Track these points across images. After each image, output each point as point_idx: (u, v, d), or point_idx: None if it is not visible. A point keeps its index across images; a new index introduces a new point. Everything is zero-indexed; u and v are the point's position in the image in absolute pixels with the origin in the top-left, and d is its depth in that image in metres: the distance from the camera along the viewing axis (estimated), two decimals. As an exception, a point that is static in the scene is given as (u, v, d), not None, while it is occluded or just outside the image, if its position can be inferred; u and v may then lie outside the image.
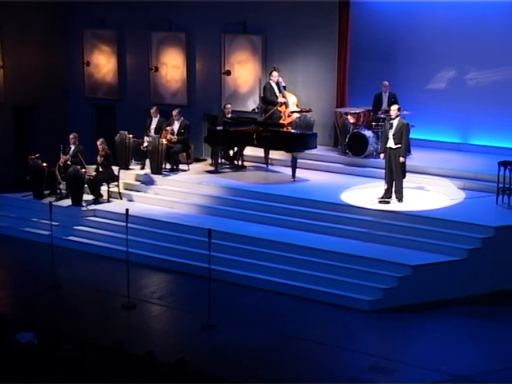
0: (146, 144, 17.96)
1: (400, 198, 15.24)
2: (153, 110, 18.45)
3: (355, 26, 18.43)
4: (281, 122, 17.66)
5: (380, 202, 15.30)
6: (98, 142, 17.16)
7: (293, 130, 17.42)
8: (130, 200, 17.32)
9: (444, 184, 16.28)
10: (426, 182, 16.38)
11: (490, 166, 15.76)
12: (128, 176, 17.90)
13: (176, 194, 17.04)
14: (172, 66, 20.77)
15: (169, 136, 17.90)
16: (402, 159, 15.07)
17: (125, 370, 9.33)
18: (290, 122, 17.84)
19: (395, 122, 15.07)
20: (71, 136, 17.50)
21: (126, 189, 17.62)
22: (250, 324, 12.75)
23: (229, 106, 18.49)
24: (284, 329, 12.58)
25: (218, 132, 17.73)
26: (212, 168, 18.12)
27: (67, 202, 17.10)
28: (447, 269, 13.62)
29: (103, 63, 21.81)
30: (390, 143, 15.09)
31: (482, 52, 17.56)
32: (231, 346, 12.01)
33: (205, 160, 19.03)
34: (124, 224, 14.27)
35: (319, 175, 17.44)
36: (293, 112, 18.01)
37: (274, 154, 18.15)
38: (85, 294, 14.14)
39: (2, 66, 21.12)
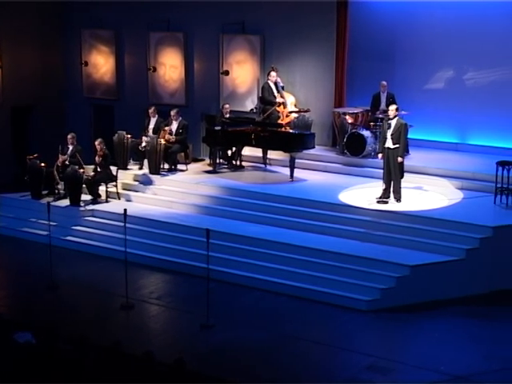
0: (144, 144, 17.96)
1: (398, 198, 15.24)
2: (151, 110, 18.44)
3: (353, 25, 18.43)
4: (279, 122, 17.66)
5: (378, 202, 15.30)
6: (96, 142, 17.16)
7: (291, 130, 17.42)
8: (128, 200, 17.31)
9: (442, 184, 16.28)
10: (424, 181, 16.38)
11: (488, 166, 15.77)
12: (126, 176, 17.89)
13: (174, 194, 17.04)
14: (170, 66, 20.77)
15: (167, 136, 17.90)
16: (400, 159, 15.08)
17: (123, 370, 9.32)
18: (288, 122, 17.83)
19: (393, 122, 15.07)
20: (69, 136, 17.50)
21: (124, 189, 17.61)
22: (248, 324, 12.75)
23: (227, 106, 18.50)
24: (282, 329, 12.58)
25: (216, 132, 17.73)
26: (210, 168, 18.13)
27: (65, 202, 17.09)
28: (445, 269, 13.62)
29: (101, 63, 21.80)
30: (388, 143, 15.10)
31: (480, 52, 17.57)
32: (229, 345, 12.01)
33: (203, 160, 19.03)
34: (122, 224, 14.27)
35: (317, 175, 17.44)
36: (291, 112, 18.01)
37: (272, 154, 18.16)
38: (83, 294, 14.14)
39: (0, 66, 21.11)
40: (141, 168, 18.19)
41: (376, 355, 11.65)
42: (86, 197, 17.18)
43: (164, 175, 17.79)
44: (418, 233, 14.24)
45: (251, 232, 15.06)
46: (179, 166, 18.21)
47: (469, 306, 13.36)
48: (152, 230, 15.80)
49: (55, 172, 17.37)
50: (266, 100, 17.93)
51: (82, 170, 17.01)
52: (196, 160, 19.01)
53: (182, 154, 18.25)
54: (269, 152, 18.10)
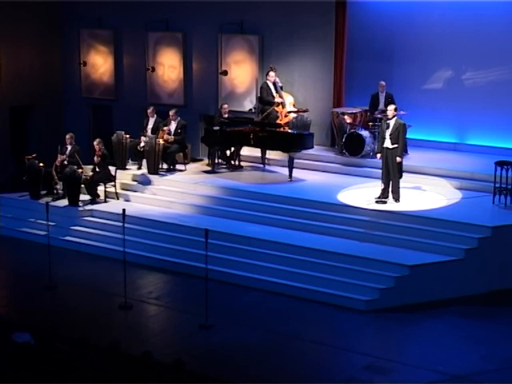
0: (142, 144, 17.96)
1: (397, 198, 15.24)
2: (150, 110, 18.43)
3: (352, 26, 18.44)
4: (278, 122, 17.66)
5: (377, 202, 15.30)
6: (95, 142, 17.16)
7: (290, 130, 17.43)
8: (127, 200, 17.30)
9: (441, 184, 16.29)
10: (423, 181, 16.39)
11: (487, 166, 15.79)
12: (125, 176, 17.88)
13: (173, 194, 17.03)
14: (169, 66, 20.76)
15: (165, 136, 17.90)
16: (398, 159, 15.08)
17: (122, 370, 9.32)
18: (287, 122, 17.83)
19: (392, 122, 15.08)
20: (67, 136, 17.50)
21: (122, 189, 17.61)
22: (247, 324, 12.75)
23: (225, 106, 18.50)
24: (281, 329, 12.58)
25: (214, 132, 17.72)
26: (209, 168, 18.13)
27: (64, 202, 17.09)
28: (444, 269, 13.63)
29: (100, 63, 21.79)
30: (387, 143, 15.10)
31: (478, 52, 17.57)
32: (228, 346, 12.01)
33: (202, 160, 19.02)
34: (121, 224, 14.27)
35: (316, 175, 17.44)
36: (290, 112, 18.00)
37: (270, 154, 18.16)
38: (81, 294, 14.13)
39: (-2, 66, 21.16)
40: (139, 168, 18.18)
41: (375, 355, 11.65)
42: (84, 197, 17.17)
43: (163, 175, 17.79)
44: (416, 233, 14.24)
45: (250, 232, 15.06)
46: (178, 166, 18.21)
47: (467, 305, 13.37)
48: (151, 230, 15.80)
49: (54, 172, 17.36)
50: (265, 100, 17.93)
51: (80, 170, 17.01)
52: (195, 160, 19.00)
53: (181, 154, 18.25)
54: (267, 152, 18.10)
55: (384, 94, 17.68)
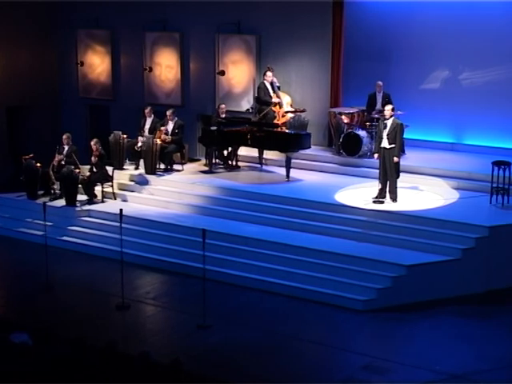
0: (140, 144, 17.95)
1: (394, 198, 15.25)
2: (147, 110, 18.43)
3: (349, 26, 18.45)
4: (275, 122, 17.66)
5: (374, 201, 15.31)
6: (92, 142, 17.16)
7: (287, 130, 17.42)
8: (124, 200, 17.30)
9: (438, 184, 16.30)
10: (420, 181, 16.39)
11: (484, 166, 15.79)
12: (122, 176, 17.88)
13: (170, 194, 17.03)
14: (166, 66, 20.76)
15: (163, 136, 17.90)
16: (396, 159, 15.09)
17: (119, 371, 9.32)
18: (284, 122, 17.84)
19: (389, 122, 15.09)
20: (64, 136, 17.49)
21: (120, 189, 17.61)
22: (245, 324, 12.75)
23: (223, 106, 18.50)
24: (279, 329, 12.58)
25: (212, 132, 17.72)
26: (206, 168, 18.12)
27: (61, 203, 17.08)
28: (441, 268, 13.64)
29: (97, 63, 21.78)
30: (384, 143, 15.11)
31: (475, 52, 17.58)
32: (226, 346, 12.01)
33: (199, 160, 19.02)
34: (118, 224, 14.25)
35: (313, 175, 17.45)
36: (287, 112, 18.01)
37: (268, 154, 18.16)
38: (79, 294, 14.13)
39: (-5, 66, 21.16)
40: (137, 168, 18.18)
41: (372, 355, 11.66)
42: (81, 197, 17.17)
43: (160, 175, 17.79)
44: (413, 233, 14.25)
45: (247, 232, 15.07)
46: (175, 166, 18.21)
47: (464, 305, 13.38)
48: (148, 230, 15.80)
49: (51, 172, 17.36)
50: (262, 100, 17.94)
51: (77, 170, 17.00)
52: (192, 160, 18.99)
53: (178, 154, 18.25)
54: (265, 152, 18.10)
55: (381, 94, 17.69)
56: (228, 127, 17.60)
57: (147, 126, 18.27)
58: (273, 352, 11.80)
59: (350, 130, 17.54)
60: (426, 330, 12.58)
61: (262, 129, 17.30)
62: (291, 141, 16.95)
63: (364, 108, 17.98)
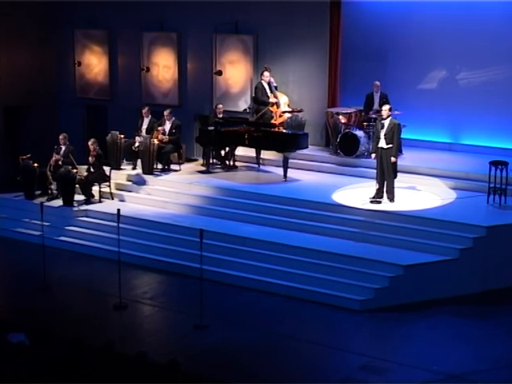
0: (137, 144, 17.94)
1: (391, 198, 15.25)
2: (144, 110, 18.42)
3: (346, 25, 18.45)
4: (272, 122, 17.66)
5: (371, 201, 15.31)
6: (90, 143, 17.14)
7: (284, 130, 17.43)
8: (122, 200, 17.29)
9: (435, 184, 16.30)
10: (418, 181, 16.39)
11: (481, 166, 15.80)
12: (119, 176, 17.87)
13: (167, 194, 17.03)
14: (163, 66, 20.74)
15: (160, 136, 17.89)
16: (393, 159, 15.10)
17: (116, 371, 9.31)
18: (282, 122, 17.83)
19: (386, 122, 15.09)
20: (61, 137, 17.47)
21: (117, 189, 17.59)
22: (242, 324, 12.74)
23: (220, 106, 18.49)
24: (276, 329, 12.58)
25: (209, 132, 17.72)
26: (203, 168, 18.12)
27: (58, 203, 17.07)
28: (439, 268, 13.64)
29: (94, 63, 21.76)
30: (382, 143, 15.11)
31: (473, 52, 17.59)
32: (223, 346, 12.00)
33: (196, 160, 19.02)
34: (115, 224, 14.26)
35: (311, 175, 17.44)
36: (284, 112, 18.00)
37: (265, 154, 18.16)
38: (76, 294, 14.12)
39: (-7, 66, 21.13)
40: (134, 168, 18.17)
41: (370, 355, 11.66)
42: (79, 197, 17.16)
43: (157, 175, 17.78)
44: (411, 233, 14.25)
45: (244, 232, 15.06)
46: (172, 166, 18.20)
47: (462, 305, 13.39)
48: (145, 230, 15.79)
49: (48, 172, 17.34)
50: (260, 100, 17.93)
51: (75, 170, 16.99)
52: (189, 160, 18.99)
53: (176, 154, 18.24)
54: (262, 152, 18.10)
55: (379, 94, 17.69)
56: (225, 127, 17.60)
57: (144, 126, 18.27)
58: (270, 352, 11.80)
59: (347, 130, 17.54)
60: (423, 329, 12.59)
61: (259, 129, 17.30)
62: (288, 141, 16.95)
63: (361, 108, 17.98)
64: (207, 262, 13.76)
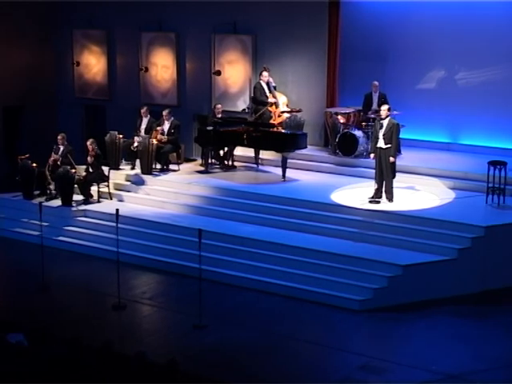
0: (136, 144, 17.93)
1: (390, 198, 15.26)
2: (143, 110, 18.42)
3: (345, 25, 18.45)
4: (271, 122, 17.66)
5: (370, 201, 15.31)
6: (88, 143, 17.14)
7: (283, 130, 17.42)
8: (120, 200, 17.28)
9: (434, 184, 16.30)
10: (416, 181, 16.40)
11: (480, 166, 15.80)
12: (118, 176, 17.86)
13: (166, 194, 17.02)
14: (162, 66, 20.75)
15: (159, 136, 17.89)
16: (392, 159, 15.10)
17: (115, 371, 9.31)
18: (281, 122, 17.84)
19: (385, 122, 15.09)
20: (59, 137, 17.46)
21: (116, 189, 17.59)
22: (241, 324, 12.74)
23: (219, 106, 18.50)
24: (275, 329, 12.58)
25: (208, 132, 17.72)
26: (202, 168, 18.12)
27: (57, 203, 17.06)
28: (437, 268, 13.64)
29: (93, 63, 21.77)
30: (380, 143, 15.11)
31: (471, 52, 17.60)
32: (222, 346, 12.00)
33: (195, 160, 19.01)
34: (114, 224, 14.25)
35: (309, 175, 17.44)
36: (283, 112, 18.00)
37: (264, 154, 18.16)
38: (75, 294, 14.11)
39: (-9, 66, 21.12)
40: (133, 168, 18.17)
41: (369, 355, 11.66)
42: (77, 197, 17.15)
43: (156, 175, 17.78)
44: (410, 233, 14.25)
45: (243, 232, 15.06)
46: (171, 166, 18.20)
47: (461, 305, 13.39)
48: (144, 230, 15.78)
49: (47, 172, 17.33)
50: (258, 100, 17.94)
51: (73, 170, 16.98)
52: (188, 160, 18.99)
53: (174, 154, 18.23)
54: (261, 152, 18.10)
55: (377, 94, 17.69)
56: (224, 127, 17.60)
57: (143, 126, 18.27)
58: (269, 352, 11.80)
59: (346, 130, 17.54)
60: (422, 329, 12.59)
61: (258, 129, 17.30)
62: (287, 141, 16.95)
63: (360, 108, 17.98)
64: (206, 262, 13.75)
